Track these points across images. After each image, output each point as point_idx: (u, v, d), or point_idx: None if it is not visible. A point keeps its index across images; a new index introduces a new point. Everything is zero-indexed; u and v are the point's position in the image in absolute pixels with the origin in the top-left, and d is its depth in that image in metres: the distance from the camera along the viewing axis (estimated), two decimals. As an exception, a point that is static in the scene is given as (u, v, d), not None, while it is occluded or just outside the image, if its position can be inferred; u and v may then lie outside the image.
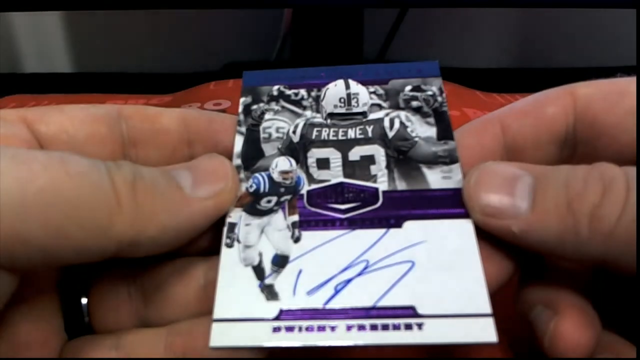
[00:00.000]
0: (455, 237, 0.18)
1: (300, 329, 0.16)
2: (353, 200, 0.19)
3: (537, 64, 0.50)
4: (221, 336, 0.16)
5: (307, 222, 0.19)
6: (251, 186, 0.20)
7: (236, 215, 0.19)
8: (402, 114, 0.21)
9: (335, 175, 0.20)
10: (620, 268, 0.16)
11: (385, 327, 0.16)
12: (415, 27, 0.51)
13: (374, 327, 0.16)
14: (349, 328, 0.16)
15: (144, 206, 0.16)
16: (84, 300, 0.19)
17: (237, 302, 0.17)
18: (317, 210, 0.19)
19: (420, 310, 0.16)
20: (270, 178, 0.20)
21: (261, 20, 0.53)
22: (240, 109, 0.22)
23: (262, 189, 0.20)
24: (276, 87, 0.23)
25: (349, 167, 0.20)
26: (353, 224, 0.18)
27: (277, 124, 0.22)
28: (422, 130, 0.21)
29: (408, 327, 0.16)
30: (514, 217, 0.17)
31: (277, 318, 0.17)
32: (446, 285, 0.17)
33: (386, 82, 0.22)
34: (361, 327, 0.16)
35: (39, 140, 0.19)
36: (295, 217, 0.19)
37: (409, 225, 0.18)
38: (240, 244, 0.18)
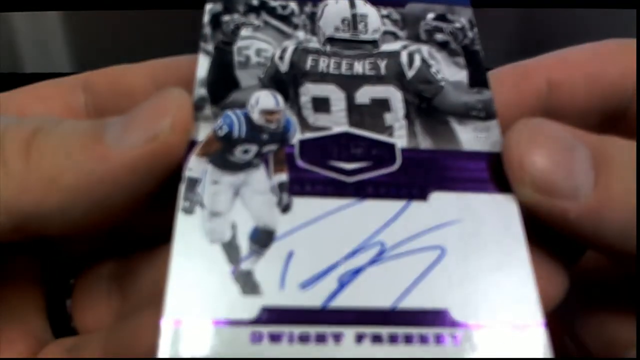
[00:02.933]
0: (496, 218, 0.13)
1: (291, 337, 0.11)
2: (362, 158, 0.14)
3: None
4: (174, 344, 0.11)
5: (300, 185, 0.13)
6: (220, 128, 0.14)
7: (199, 169, 0.13)
8: (424, 48, 0.16)
9: (337, 121, 0.15)
10: None
11: (409, 339, 0.12)
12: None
13: (393, 339, 0.12)
14: (359, 338, 0.12)
15: (42, 168, 0.13)
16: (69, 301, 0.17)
17: (199, 295, 0.12)
18: (313, 169, 0.14)
19: (455, 316, 0.12)
20: (247, 118, 0.14)
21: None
22: (206, 18, 0.16)
23: (236, 133, 0.14)
24: (256, -7, 0.17)
25: (355, 113, 0.15)
26: (362, 190, 0.13)
27: (258, 45, 0.16)
28: (450, 72, 0.16)
29: (439, 339, 0.12)
30: (573, 199, 0.13)
31: (257, 320, 0.12)
32: (487, 283, 0.13)
33: (403, 5, 0.17)
34: (376, 338, 0.12)
35: None
36: (284, 177, 0.14)
37: (436, 197, 0.14)
38: (205, 209, 0.13)
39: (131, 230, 0.16)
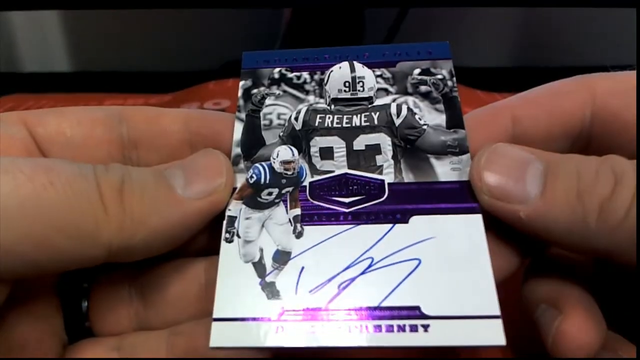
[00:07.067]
0: (465, 233, 0.17)
1: (303, 330, 0.16)
2: (358, 193, 0.18)
3: (538, 63, 0.49)
4: (222, 336, 0.16)
5: (310, 216, 0.18)
6: (251, 177, 0.19)
7: (236, 209, 0.18)
8: (410, 99, 0.20)
9: (339, 165, 0.19)
10: (624, 262, 0.16)
11: (389, 329, 0.16)
12: (415, 26, 0.50)
13: (377, 329, 0.16)
14: (351, 329, 0.16)
15: (133, 210, 0.16)
16: (85, 303, 0.19)
17: (238, 300, 0.16)
18: (320, 204, 0.18)
19: (425, 311, 0.16)
20: (271, 168, 0.19)
21: (261, 19, 0.52)
22: (240, 93, 0.21)
23: (262, 180, 0.19)
24: (277, 69, 0.22)
25: (353, 157, 0.19)
26: (357, 218, 0.18)
27: (279, 110, 0.21)
28: (431, 117, 0.20)
29: (413, 328, 0.16)
30: (523, 202, 0.16)
31: (279, 318, 0.16)
32: (454, 284, 0.16)
33: (394, 65, 0.21)
34: (365, 329, 0.16)
35: (36, 142, 0.18)
36: (297, 211, 0.18)
37: (415, 220, 0.17)
38: (240, 239, 0.18)
39: None
